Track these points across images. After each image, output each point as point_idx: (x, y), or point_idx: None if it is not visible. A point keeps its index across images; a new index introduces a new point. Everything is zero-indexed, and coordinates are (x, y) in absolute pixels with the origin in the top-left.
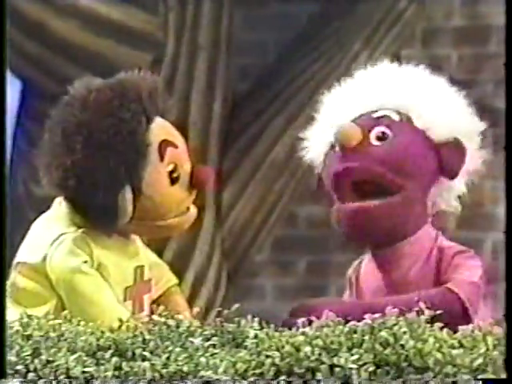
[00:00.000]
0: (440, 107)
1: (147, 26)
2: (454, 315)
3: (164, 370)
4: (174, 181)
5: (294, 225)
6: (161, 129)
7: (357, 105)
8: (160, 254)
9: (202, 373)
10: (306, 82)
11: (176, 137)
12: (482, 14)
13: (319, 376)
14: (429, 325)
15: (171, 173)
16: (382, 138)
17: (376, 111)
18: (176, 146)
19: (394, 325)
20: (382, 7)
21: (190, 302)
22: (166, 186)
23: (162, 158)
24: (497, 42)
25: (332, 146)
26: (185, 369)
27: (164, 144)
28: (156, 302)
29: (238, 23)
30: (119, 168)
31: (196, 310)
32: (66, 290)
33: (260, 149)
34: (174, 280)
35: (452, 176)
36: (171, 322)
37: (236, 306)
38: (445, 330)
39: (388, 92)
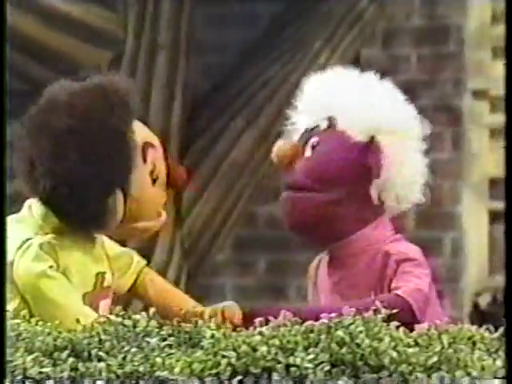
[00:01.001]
0: (357, 106)
1: (106, 23)
2: (403, 321)
3: (120, 371)
4: (154, 181)
5: (254, 224)
6: (141, 130)
7: (306, 116)
8: None
9: (158, 373)
10: (266, 81)
11: (153, 137)
12: (442, 14)
13: (275, 376)
14: (385, 324)
15: (151, 173)
16: (314, 148)
17: (317, 121)
18: (154, 146)
19: (351, 324)
20: (342, 7)
21: None
22: (149, 186)
23: (144, 159)
24: (456, 42)
25: None
26: (140, 369)
27: (146, 145)
28: (133, 286)
29: (198, 22)
30: (109, 172)
31: (152, 310)
32: (32, 295)
33: (220, 149)
34: (143, 262)
35: (376, 175)
36: (128, 322)
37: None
38: (401, 328)
39: (321, 99)
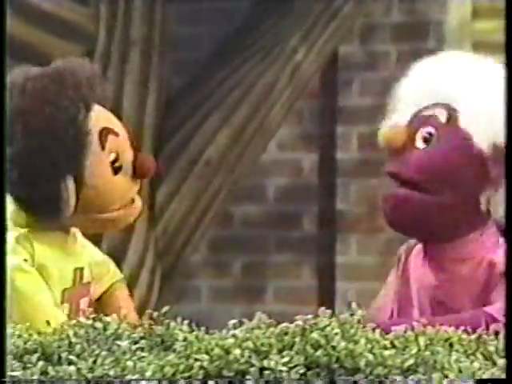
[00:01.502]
0: (484, 108)
1: (78, 17)
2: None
3: (90, 375)
4: (116, 170)
5: (230, 225)
6: (100, 116)
7: (420, 97)
8: None
9: (129, 377)
10: (242, 77)
11: (116, 124)
12: (421, 9)
13: (249, 379)
14: (361, 325)
15: (114, 162)
16: (427, 139)
17: (428, 107)
18: (117, 134)
19: (326, 326)
20: (319, 2)
21: None
22: (108, 175)
23: (103, 146)
24: (436, 38)
25: None
26: (111, 373)
27: (105, 132)
28: (100, 298)
29: (171, 18)
30: (60, 157)
31: (123, 312)
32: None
33: (195, 147)
34: (119, 275)
35: (495, 187)
36: (98, 325)
37: (166, 308)
38: (377, 330)
39: (442, 84)
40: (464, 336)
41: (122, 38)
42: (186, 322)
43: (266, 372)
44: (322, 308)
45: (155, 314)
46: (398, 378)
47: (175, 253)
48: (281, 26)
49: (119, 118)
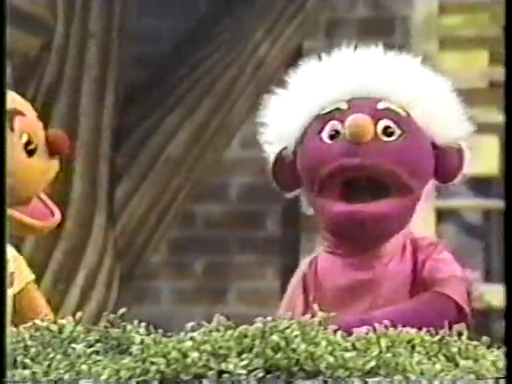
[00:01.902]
0: (440, 105)
1: (36, 8)
2: (451, 318)
3: (44, 379)
4: (31, 152)
5: (192, 224)
6: (8, 98)
7: (342, 88)
8: (49, 255)
9: (84, 381)
10: (205, 72)
11: (22, 105)
12: (387, 4)
13: (206, 383)
14: (322, 327)
15: (27, 145)
16: (388, 133)
17: (378, 101)
18: (23, 115)
19: (286, 328)
20: None
21: (80, 305)
22: (22, 158)
23: (11, 128)
24: (402, 34)
25: (318, 133)
26: (66, 377)
27: (12, 113)
28: (15, 298)
29: (131, 10)
30: None
31: (79, 314)
32: None
33: (155, 144)
34: (31, 276)
35: (447, 180)
36: (53, 327)
37: (122, 310)
38: (339, 332)
39: (386, 81)
40: (427, 337)
41: (80, 30)
42: (143, 324)
43: (225, 375)
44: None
45: (111, 316)
46: (359, 381)
47: (135, 253)
48: (244, 20)
49: (76, 113)
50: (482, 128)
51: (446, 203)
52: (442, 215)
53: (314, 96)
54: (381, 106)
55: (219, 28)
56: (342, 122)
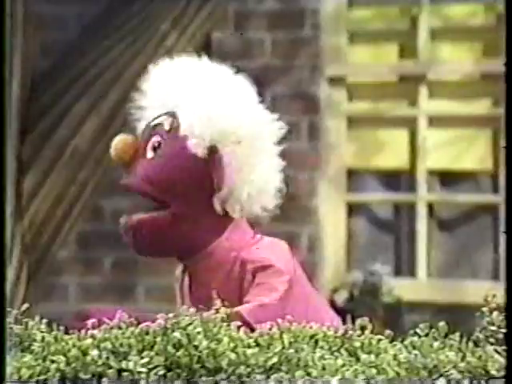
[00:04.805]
0: (201, 110)
1: None
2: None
3: None
4: None
5: (100, 219)
6: None
7: (150, 108)
8: None
9: None
10: (111, 62)
11: None
12: None
13: (106, 381)
14: (225, 324)
15: None
16: (156, 147)
17: (160, 116)
18: None
19: (189, 325)
20: None
21: None
22: None
23: None
24: (311, 26)
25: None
26: None
27: None
28: None
29: None
30: None
31: None
32: None
33: (61, 134)
34: None
35: (218, 188)
36: None
37: (25, 306)
38: (242, 328)
39: (165, 92)
40: (330, 333)
41: None
42: (44, 321)
43: (125, 374)
44: (185, 306)
45: (14, 312)
46: (260, 377)
47: (42, 248)
48: (151, 9)
49: None
50: (392, 122)
51: (357, 197)
52: (352, 209)
53: (149, 103)
54: (154, 122)
55: (125, 16)
56: (162, 136)
